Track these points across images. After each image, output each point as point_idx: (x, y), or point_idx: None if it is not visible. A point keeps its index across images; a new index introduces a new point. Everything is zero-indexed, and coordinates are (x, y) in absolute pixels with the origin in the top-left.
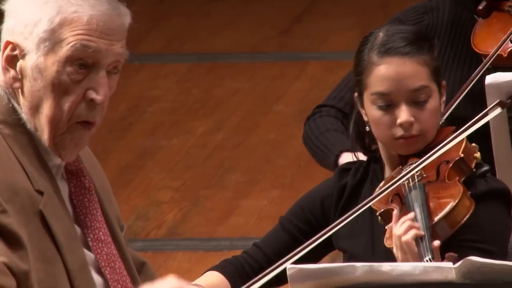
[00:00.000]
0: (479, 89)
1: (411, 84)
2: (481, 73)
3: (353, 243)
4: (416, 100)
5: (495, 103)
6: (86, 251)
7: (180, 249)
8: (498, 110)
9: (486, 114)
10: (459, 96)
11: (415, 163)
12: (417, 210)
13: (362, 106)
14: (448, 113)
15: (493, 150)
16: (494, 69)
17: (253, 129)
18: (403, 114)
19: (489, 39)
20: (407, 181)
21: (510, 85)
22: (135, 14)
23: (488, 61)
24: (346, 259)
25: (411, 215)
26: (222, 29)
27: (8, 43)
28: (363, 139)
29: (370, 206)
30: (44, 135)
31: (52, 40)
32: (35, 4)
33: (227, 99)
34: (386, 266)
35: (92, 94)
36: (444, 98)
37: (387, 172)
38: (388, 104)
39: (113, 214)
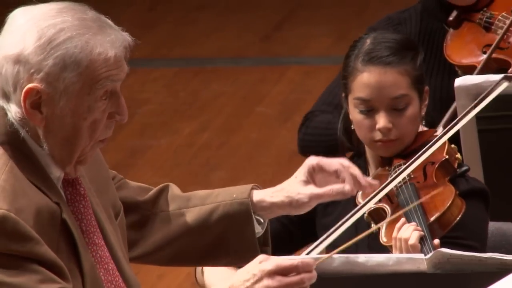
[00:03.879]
0: (446, 95)
1: (391, 93)
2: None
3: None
4: (395, 107)
5: (501, 77)
6: None
7: None
8: (505, 84)
9: (493, 90)
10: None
11: (404, 164)
12: (412, 211)
13: (348, 107)
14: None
15: (462, 149)
16: (464, 74)
17: (236, 130)
18: (382, 120)
19: (461, 50)
20: (396, 186)
21: (477, 87)
22: (126, 22)
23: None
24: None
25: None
26: (207, 36)
27: (31, 89)
28: (350, 135)
29: (354, 202)
30: (68, 158)
31: (80, 82)
32: (56, 49)
33: (212, 102)
34: (361, 258)
35: (118, 117)
36: (426, 102)
37: (372, 169)
38: (369, 109)
39: (107, 203)
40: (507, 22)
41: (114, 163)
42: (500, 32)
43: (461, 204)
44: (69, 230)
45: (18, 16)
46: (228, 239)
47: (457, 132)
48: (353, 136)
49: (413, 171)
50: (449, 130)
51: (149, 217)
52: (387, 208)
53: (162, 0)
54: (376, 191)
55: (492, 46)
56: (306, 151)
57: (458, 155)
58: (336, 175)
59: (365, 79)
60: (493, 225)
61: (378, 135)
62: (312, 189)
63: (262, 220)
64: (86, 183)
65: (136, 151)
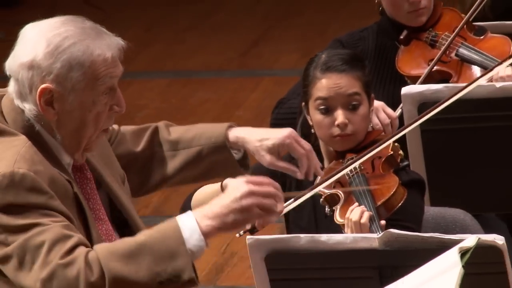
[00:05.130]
0: (397, 101)
1: (346, 91)
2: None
3: (298, 216)
4: (350, 104)
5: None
6: None
7: None
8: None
9: (500, 63)
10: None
11: (355, 157)
12: (362, 198)
13: (308, 113)
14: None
15: (408, 146)
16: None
17: None
18: (340, 116)
19: (410, 63)
20: (348, 174)
21: (420, 94)
22: (126, 41)
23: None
24: (290, 230)
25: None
26: (194, 52)
27: (44, 89)
28: (309, 138)
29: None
30: (75, 147)
31: (85, 80)
32: (62, 54)
33: (198, 107)
34: (324, 237)
35: (117, 109)
36: (372, 108)
37: (326, 164)
38: (327, 108)
39: (116, 173)
40: (448, 40)
41: None
42: (443, 48)
43: (403, 192)
44: (80, 203)
45: (28, 30)
46: (215, 169)
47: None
48: (311, 138)
49: (363, 164)
50: (397, 133)
51: (146, 161)
52: (341, 194)
53: (156, 22)
54: (332, 174)
55: (434, 60)
56: (275, 122)
57: (401, 152)
58: (298, 159)
59: (324, 82)
60: (433, 210)
61: (336, 131)
62: (273, 160)
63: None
64: (97, 160)
65: None
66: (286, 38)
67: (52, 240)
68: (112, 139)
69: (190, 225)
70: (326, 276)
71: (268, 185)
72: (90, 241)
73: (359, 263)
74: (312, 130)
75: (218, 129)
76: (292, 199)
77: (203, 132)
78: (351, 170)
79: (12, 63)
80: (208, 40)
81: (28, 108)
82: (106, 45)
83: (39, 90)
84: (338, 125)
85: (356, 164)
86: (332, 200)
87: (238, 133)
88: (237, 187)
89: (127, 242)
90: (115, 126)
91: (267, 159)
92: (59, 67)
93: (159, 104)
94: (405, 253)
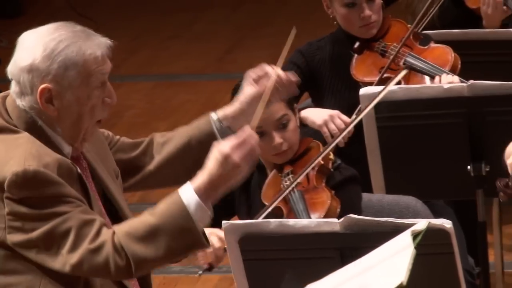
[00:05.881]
0: (353, 104)
1: (275, 117)
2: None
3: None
4: (280, 125)
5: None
6: None
7: None
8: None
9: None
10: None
11: (291, 172)
12: (301, 213)
13: None
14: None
15: (365, 141)
16: (365, 84)
17: None
18: (276, 139)
19: (363, 70)
20: (289, 194)
21: (375, 95)
22: (116, 48)
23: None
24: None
25: None
26: (176, 58)
27: (44, 89)
28: None
29: (261, 201)
30: (74, 138)
31: (80, 77)
32: (58, 56)
33: (180, 107)
34: (291, 221)
35: (109, 101)
36: (298, 116)
37: (268, 171)
38: (263, 132)
39: (110, 167)
40: (396, 50)
41: None
42: (392, 57)
43: (336, 204)
44: (83, 182)
45: (26, 37)
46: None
47: (362, 127)
48: None
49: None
50: (331, 144)
51: (140, 165)
52: (283, 209)
53: (142, 32)
54: (274, 199)
55: (384, 68)
56: None
57: (331, 157)
58: (267, 76)
59: None
60: (388, 197)
61: (274, 150)
62: (251, 89)
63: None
64: (93, 155)
65: None
66: (258, 46)
67: (77, 226)
68: (111, 145)
69: (193, 201)
70: (293, 256)
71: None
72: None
73: (322, 245)
74: None
75: (203, 121)
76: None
77: (187, 127)
78: (290, 192)
79: (13, 68)
80: (189, 47)
81: (30, 106)
82: (96, 45)
83: (39, 90)
84: (275, 147)
85: (295, 183)
86: (277, 213)
87: (223, 112)
88: (217, 153)
89: (142, 224)
90: (117, 136)
91: (247, 93)
92: (56, 68)
93: (145, 104)
94: (363, 236)
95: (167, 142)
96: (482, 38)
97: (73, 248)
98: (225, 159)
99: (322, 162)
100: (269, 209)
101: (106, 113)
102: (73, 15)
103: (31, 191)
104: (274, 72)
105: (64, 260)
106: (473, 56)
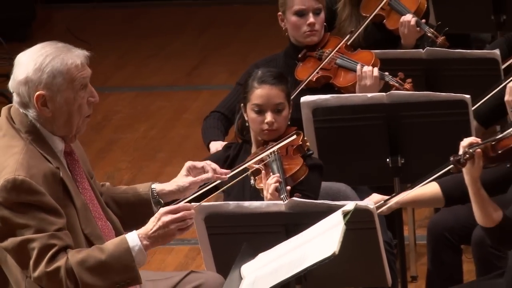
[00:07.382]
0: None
1: (274, 100)
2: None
3: (230, 187)
4: (276, 110)
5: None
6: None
7: None
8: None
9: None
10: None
11: (275, 144)
12: (276, 170)
13: (245, 111)
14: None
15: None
16: (308, 90)
17: (171, 128)
18: (269, 117)
19: (303, 71)
20: (269, 155)
21: (314, 102)
22: (105, 65)
23: (303, 84)
24: (225, 197)
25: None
26: (154, 73)
27: (39, 95)
28: (243, 130)
29: (245, 167)
30: (69, 133)
31: (65, 83)
32: (46, 67)
33: (156, 111)
34: (246, 203)
35: (92, 99)
36: (290, 111)
37: (253, 149)
38: (260, 110)
39: (88, 171)
40: (330, 54)
41: (99, 148)
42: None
43: (305, 170)
44: (65, 184)
45: (20, 57)
46: (139, 214)
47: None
48: (245, 130)
49: (280, 149)
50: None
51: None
52: (262, 168)
53: (127, 51)
54: (258, 154)
55: (319, 66)
56: (201, 132)
57: (308, 144)
58: (204, 170)
59: (259, 92)
60: (324, 184)
61: (265, 126)
62: (190, 179)
63: (162, 201)
64: (78, 154)
65: (112, 141)
66: (219, 63)
67: (39, 248)
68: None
69: (136, 245)
70: (248, 231)
71: (178, 209)
72: (75, 207)
73: (271, 222)
74: (247, 123)
75: (145, 186)
76: (230, 170)
77: (134, 189)
78: (271, 153)
79: (13, 82)
80: (164, 64)
81: (30, 111)
82: (76, 55)
83: (35, 97)
84: (267, 123)
85: (276, 147)
86: (257, 173)
87: (163, 186)
88: (157, 214)
89: (93, 258)
90: (105, 184)
91: (187, 180)
92: (46, 77)
93: (129, 110)
94: (304, 215)
95: (115, 198)
96: (398, 56)
97: (35, 266)
98: (159, 219)
99: (300, 143)
100: (253, 161)
101: (91, 110)
102: (72, 38)
103: (18, 196)
104: (210, 168)
105: (30, 271)
106: (391, 71)
